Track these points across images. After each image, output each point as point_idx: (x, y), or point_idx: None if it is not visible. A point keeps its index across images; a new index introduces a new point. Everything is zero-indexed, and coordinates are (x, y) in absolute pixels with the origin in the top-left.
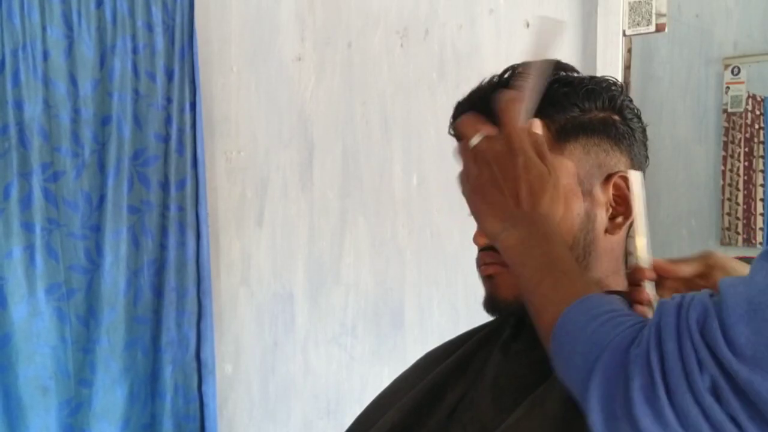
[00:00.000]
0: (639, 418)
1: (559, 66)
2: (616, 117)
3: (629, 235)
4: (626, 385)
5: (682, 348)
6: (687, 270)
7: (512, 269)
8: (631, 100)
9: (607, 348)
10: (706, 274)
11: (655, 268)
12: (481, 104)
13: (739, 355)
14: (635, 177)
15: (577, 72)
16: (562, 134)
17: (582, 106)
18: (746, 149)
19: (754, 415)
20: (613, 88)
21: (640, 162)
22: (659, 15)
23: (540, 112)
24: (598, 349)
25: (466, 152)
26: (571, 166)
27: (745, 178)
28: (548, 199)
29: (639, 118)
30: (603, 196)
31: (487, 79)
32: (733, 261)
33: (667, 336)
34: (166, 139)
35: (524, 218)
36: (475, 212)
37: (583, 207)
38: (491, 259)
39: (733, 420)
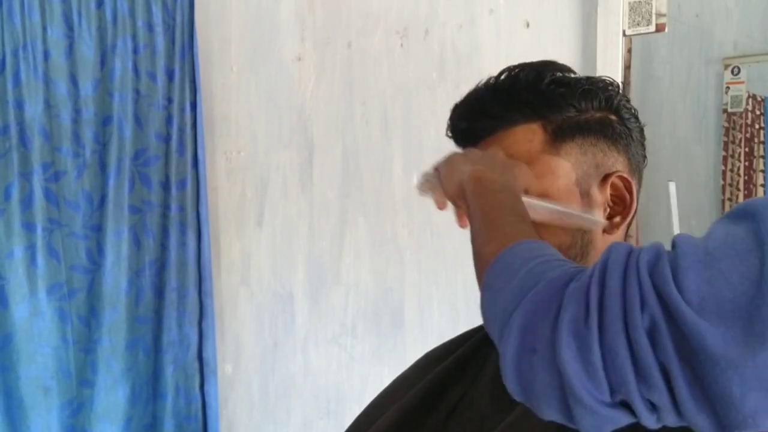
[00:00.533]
0: (561, 348)
1: (556, 66)
2: (613, 117)
3: (628, 235)
4: (556, 315)
5: (626, 285)
6: None
7: (470, 198)
8: (628, 100)
9: (544, 281)
10: None
11: None
12: (478, 106)
13: (686, 300)
14: (672, 189)
15: (574, 72)
16: (558, 135)
17: (578, 107)
18: (746, 149)
19: (687, 367)
20: (609, 88)
21: (637, 162)
22: (659, 15)
23: (536, 113)
24: (533, 281)
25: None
26: (568, 167)
27: (746, 178)
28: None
29: (636, 117)
30: (601, 197)
31: (483, 81)
32: None
33: (613, 272)
34: (167, 139)
35: (502, 171)
36: (452, 162)
37: (581, 207)
38: None
39: (662, 368)
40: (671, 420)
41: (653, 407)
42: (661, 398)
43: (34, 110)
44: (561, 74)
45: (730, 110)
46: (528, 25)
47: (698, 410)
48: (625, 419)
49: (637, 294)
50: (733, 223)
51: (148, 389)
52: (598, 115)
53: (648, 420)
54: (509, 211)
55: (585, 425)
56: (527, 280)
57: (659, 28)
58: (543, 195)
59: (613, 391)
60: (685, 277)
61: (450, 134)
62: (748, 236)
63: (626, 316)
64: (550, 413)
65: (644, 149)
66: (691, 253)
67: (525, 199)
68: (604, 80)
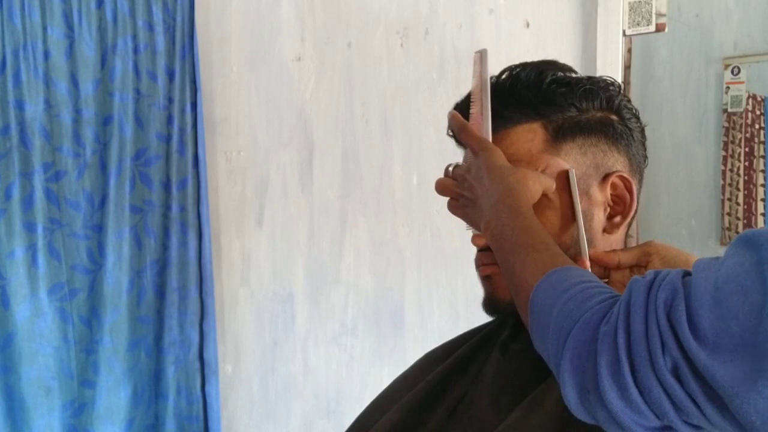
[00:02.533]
0: (605, 392)
1: (557, 66)
2: (614, 117)
3: (628, 235)
4: (595, 360)
5: (648, 328)
6: (625, 258)
7: (497, 258)
8: (629, 100)
9: (578, 323)
10: (646, 261)
11: (593, 259)
12: None
13: (701, 340)
14: (572, 174)
15: (575, 72)
16: (559, 134)
17: (579, 106)
18: (746, 149)
19: (712, 398)
20: (610, 88)
21: (638, 162)
22: (659, 15)
23: (537, 112)
24: (569, 324)
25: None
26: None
27: (746, 178)
28: (503, 176)
29: (637, 117)
30: (601, 196)
31: None
32: (671, 248)
33: (635, 315)
34: (168, 139)
35: (489, 199)
36: (476, 200)
37: (581, 207)
38: (489, 259)
39: (693, 401)
40: None
41: (696, 426)
42: (700, 421)
43: (34, 110)
44: (562, 74)
45: (730, 110)
46: (528, 25)
47: (733, 429)
48: None
49: (657, 338)
50: (741, 252)
51: (150, 390)
52: (598, 114)
53: None
54: (518, 248)
55: None
56: (562, 325)
57: (659, 28)
58: (548, 197)
59: (659, 418)
60: (699, 316)
61: (450, 134)
62: (752, 269)
63: (651, 359)
64: None
65: (645, 149)
66: (703, 291)
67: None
68: (605, 80)
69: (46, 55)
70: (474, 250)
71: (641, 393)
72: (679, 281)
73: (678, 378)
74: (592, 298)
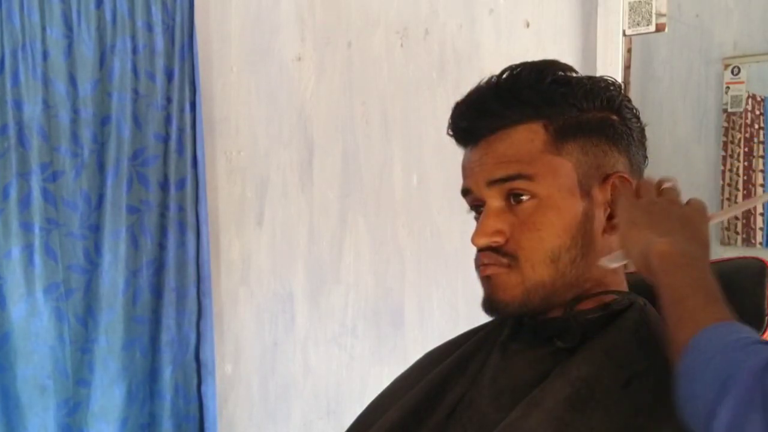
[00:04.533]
0: None
1: (557, 66)
2: (615, 117)
3: None
4: (764, 407)
5: None
6: None
7: (657, 274)
8: (629, 100)
9: (743, 369)
10: None
11: None
12: (479, 105)
13: None
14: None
15: (576, 72)
16: (560, 134)
17: (580, 106)
18: (746, 149)
19: None
20: (611, 88)
21: (638, 162)
22: (659, 15)
23: (538, 112)
24: (729, 370)
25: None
26: (569, 167)
27: (745, 178)
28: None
29: (637, 118)
30: (601, 197)
31: (485, 80)
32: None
33: None
34: (166, 139)
35: (686, 233)
36: (631, 221)
37: (582, 207)
38: (490, 259)
39: None
40: None
41: None
42: None
43: (32, 110)
44: (563, 74)
45: (730, 110)
46: (528, 25)
47: None
48: None
49: None
50: None
51: (144, 389)
52: (599, 115)
53: None
54: (699, 291)
55: None
56: (723, 368)
57: (659, 28)
58: (549, 197)
59: None
60: None
61: (450, 133)
62: None
63: None
64: None
65: (645, 149)
66: None
67: (714, 214)
68: (606, 80)
69: (45, 55)
70: (474, 250)
71: None
72: None
73: None
74: (757, 345)
